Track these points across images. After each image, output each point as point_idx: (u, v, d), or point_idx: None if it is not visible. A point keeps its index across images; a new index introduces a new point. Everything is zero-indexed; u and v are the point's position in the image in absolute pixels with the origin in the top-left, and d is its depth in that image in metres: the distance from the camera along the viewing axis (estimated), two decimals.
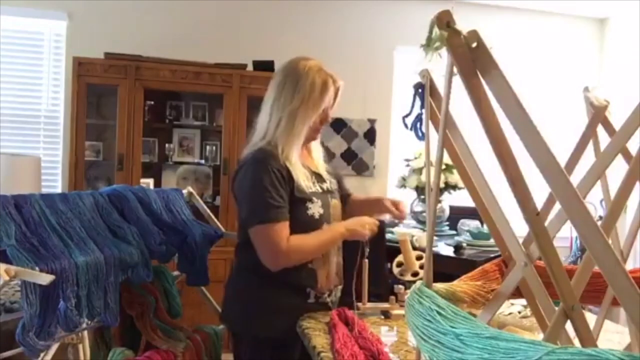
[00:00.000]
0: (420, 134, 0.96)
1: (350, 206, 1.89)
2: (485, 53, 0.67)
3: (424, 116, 0.90)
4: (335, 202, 1.77)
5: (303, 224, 1.62)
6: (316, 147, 1.83)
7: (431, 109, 0.89)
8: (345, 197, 1.91)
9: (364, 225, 1.66)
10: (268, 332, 1.64)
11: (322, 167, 1.82)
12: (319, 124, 1.72)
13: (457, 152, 0.87)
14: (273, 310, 1.65)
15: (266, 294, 1.66)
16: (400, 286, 1.70)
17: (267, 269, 1.60)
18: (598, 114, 1.03)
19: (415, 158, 3.73)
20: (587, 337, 0.64)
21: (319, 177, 1.76)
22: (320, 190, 1.72)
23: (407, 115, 0.96)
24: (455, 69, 0.70)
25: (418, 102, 0.91)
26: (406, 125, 0.98)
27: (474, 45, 0.68)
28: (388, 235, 3.15)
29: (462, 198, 3.44)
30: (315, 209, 1.65)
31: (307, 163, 1.76)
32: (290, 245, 1.57)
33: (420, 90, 0.90)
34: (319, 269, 1.68)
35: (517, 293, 0.86)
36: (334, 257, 1.74)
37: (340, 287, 1.78)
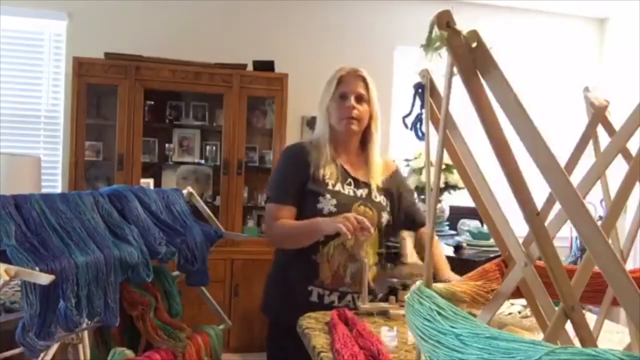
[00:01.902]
0: (420, 134, 0.96)
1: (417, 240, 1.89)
2: (486, 53, 0.67)
3: (424, 116, 0.90)
4: (364, 210, 1.78)
5: (311, 215, 1.72)
6: (374, 157, 1.85)
7: (431, 109, 0.89)
8: (411, 224, 1.91)
9: (340, 220, 1.60)
10: (280, 319, 1.78)
11: (373, 179, 1.83)
12: (338, 119, 1.79)
13: (457, 152, 0.87)
14: (280, 297, 1.82)
15: (277, 280, 1.85)
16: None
17: (279, 256, 1.87)
18: (598, 114, 1.03)
19: (415, 158, 3.73)
20: (587, 337, 0.64)
21: (356, 182, 1.81)
22: (345, 192, 1.77)
23: (407, 115, 0.96)
24: (455, 69, 0.70)
25: (418, 102, 0.91)
26: (406, 125, 0.98)
27: (474, 45, 0.68)
28: None
29: (462, 198, 3.44)
30: (325, 204, 1.73)
31: (347, 166, 1.83)
32: (276, 223, 1.75)
33: (420, 90, 0.90)
34: (322, 262, 1.73)
35: (517, 293, 0.86)
36: (341, 258, 1.74)
37: (355, 294, 1.75)
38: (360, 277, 1.72)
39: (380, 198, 1.84)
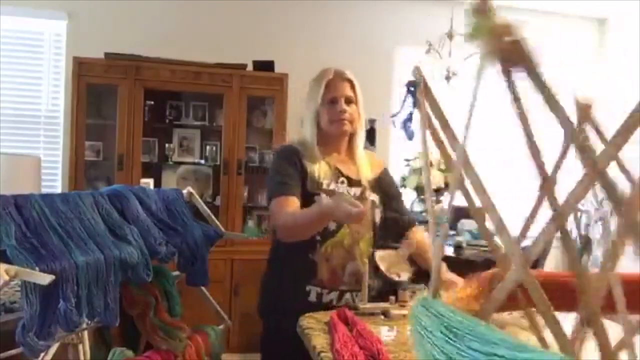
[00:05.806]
0: (409, 133, 0.95)
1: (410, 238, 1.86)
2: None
3: (414, 114, 0.87)
4: None
5: None
6: (361, 155, 1.90)
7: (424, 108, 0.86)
8: (400, 222, 1.93)
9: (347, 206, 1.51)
10: (277, 322, 1.75)
11: (363, 176, 1.85)
12: (331, 122, 1.81)
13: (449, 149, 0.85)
14: (278, 299, 1.79)
15: (273, 282, 1.82)
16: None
17: (275, 257, 1.83)
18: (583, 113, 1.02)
19: (415, 158, 3.73)
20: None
21: (349, 180, 1.83)
22: (339, 191, 1.77)
23: (396, 114, 0.95)
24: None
25: (410, 100, 0.90)
26: (394, 124, 0.96)
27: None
28: None
29: (462, 198, 3.44)
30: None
31: (339, 165, 1.84)
32: (287, 212, 1.68)
33: (412, 89, 0.88)
34: (320, 262, 1.73)
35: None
36: (339, 257, 1.74)
37: (354, 293, 1.75)
38: (357, 275, 1.73)
39: (372, 196, 1.86)
